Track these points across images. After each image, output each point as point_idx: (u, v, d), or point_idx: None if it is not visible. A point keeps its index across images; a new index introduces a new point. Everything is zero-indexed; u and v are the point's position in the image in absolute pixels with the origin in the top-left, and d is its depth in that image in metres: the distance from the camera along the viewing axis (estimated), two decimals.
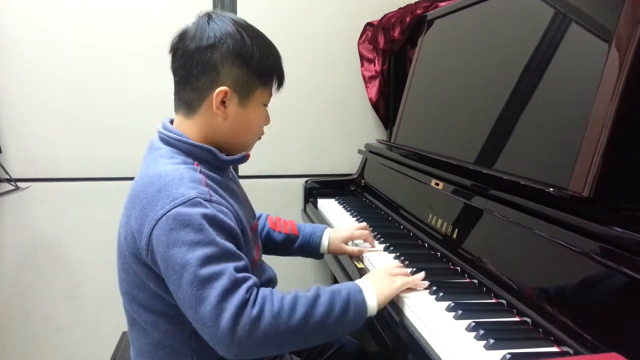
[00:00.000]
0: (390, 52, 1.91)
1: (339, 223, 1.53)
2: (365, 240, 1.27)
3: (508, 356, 0.73)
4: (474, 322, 0.83)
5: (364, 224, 1.33)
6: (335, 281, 1.43)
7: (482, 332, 0.80)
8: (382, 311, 0.96)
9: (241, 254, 0.86)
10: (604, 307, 0.73)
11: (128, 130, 1.88)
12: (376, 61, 1.95)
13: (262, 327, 0.80)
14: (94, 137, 1.90)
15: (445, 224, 1.18)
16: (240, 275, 0.82)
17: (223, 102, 0.92)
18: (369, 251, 1.23)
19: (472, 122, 1.28)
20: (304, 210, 1.95)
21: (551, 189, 0.88)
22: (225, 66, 0.91)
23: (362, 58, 2.00)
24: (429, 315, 0.89)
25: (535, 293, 0.85)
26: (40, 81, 1.84)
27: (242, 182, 1.11)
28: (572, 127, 0.92)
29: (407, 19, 1.78)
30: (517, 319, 0.87)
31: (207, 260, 0.81)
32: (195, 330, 0.89)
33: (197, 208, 0.83)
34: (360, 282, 0.94)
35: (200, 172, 0.90)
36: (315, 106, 2.04)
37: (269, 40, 0.97)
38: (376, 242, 1.29)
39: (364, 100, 2.02)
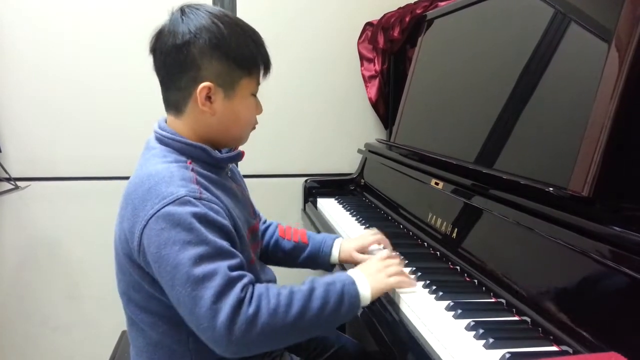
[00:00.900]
0: (390, 52, 1.91)
1: (339, 223, 1.52)
2: (379, 243, 1.17)
3: (507, 355, 0.73)
4: (473, 321, 0.83)
5: (375, 229, 1.23)
6: None
7: (481, 331, 0.80)
8: (382, 310, 0.95)
9: (235, 251, 0.85)
10: (603, 306, 0.73)
11: (128, 129, 1.88)
12: (376, 61, 1.95)
13: (259, 325, 0.80)
14: (93, 136, 1.90)
15: (444, 223, 1.18)
16: (235, 273, 0.81)
17: (209, 98, 0.90)
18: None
19: (472, 121, 1.28)
20: (304, 209, 1.95)
21: (551, 189, 0.88)
22: (205, 61, 0.88)
23: (362, 58, 2.00)
24: (429, 315, 0.89)
25: (535, 292, 0.85)
26: (40, 81, 1.84)
27: None
28: (572, 126, 0.92)
29: (407, 19, 1.78)
30: (516, 318, 0.87)
31: (200, 260, 0.79)
32: (192, 331, 0.89)
33: (186, 207, 0.82)
34: (353, 273, 0.93)
35: (193, 170, 0.89)
36: (315, 106, 2.04)
37: (248, 27, 0.93)
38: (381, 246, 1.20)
39: (363, 99, 2.02)
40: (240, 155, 1.00)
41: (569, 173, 0.87)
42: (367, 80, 1.99)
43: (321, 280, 0.89)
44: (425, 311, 0.90)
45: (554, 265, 0.84)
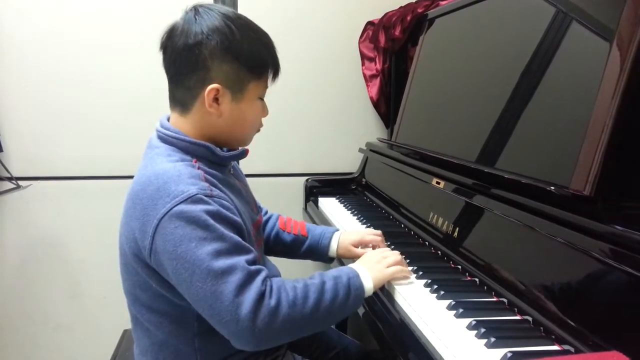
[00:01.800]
0: (391, 51, 1.90)
1: (340, 222, 1.53)
2: (375, 247, 1.19)
3: (509, 355, 0.73)
4: (475, 320, 0.84)
5: (378, 231, 1.24)
6: None
7: (483, 330, 0.80)
8: (383, 310, 0.96)
9: (249, 246, 0.87)
10: (605, 305, 0.73)
11: (129, 129, 1.88)
12: (377, 60, 1.94)
13: (280, 316, 0.81)
14: (94, 135, 1.90)
15: (446, 222, 1.18)
16: (254, 267, 0.83)
17: (216, 100, 0.90)
18: None
19: (473, 120, 1.28)
20: (305, 209, 1.95)
21: (552, 188, 0.88)
22: (215, 63, 0.88)
23: (363, 57, 2.00)
24: (430, 314, 0.89)
25: (537, 291, 0.85)
26: (42, 80, 1.84)
27: None
28: (573, 125, 0.92)
29: (408, 18, 1.78)
30: (518, 317, 0.87)
31: (218, 255, 0.80)
32: (198, 331, 0.89)
33: (199, 205, 0.82)
34: (355, 267, 0.97)
35: (199, 168, 0.89)
36: (316, 105, 2.04)
37: (260, 30, 0.93)
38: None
39: (364, 99, 2.02)
40: (244, 153, 1.00)
41: (571, 172, 0.86)
42: (368, 79, 1.99)
43: (329, 274, 0.92)
44: (426, 310, 0.90)
45: (555, 264, 0.84)
